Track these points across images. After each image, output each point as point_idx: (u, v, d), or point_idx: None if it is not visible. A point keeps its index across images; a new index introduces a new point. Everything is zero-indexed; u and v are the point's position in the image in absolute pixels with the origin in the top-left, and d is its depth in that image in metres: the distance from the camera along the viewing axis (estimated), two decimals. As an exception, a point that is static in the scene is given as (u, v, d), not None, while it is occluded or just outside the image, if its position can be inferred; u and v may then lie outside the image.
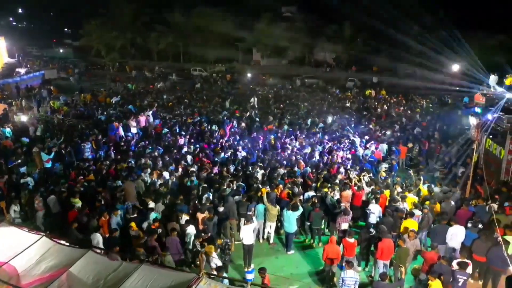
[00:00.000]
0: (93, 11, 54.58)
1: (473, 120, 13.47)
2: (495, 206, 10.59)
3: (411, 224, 10.02)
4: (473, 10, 39.04)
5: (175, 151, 15.84)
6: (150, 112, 21.36)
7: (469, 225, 9.76)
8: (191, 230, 9.73)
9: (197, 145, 16.87)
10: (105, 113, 22.61)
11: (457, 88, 33.37)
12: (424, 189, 12.39)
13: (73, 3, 60.04)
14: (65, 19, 68.94)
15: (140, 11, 55.69)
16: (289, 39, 51.34)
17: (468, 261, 8.48)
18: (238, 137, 18.42)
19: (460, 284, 8.10)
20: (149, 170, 13.17)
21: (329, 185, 12.38)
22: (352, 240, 9.47)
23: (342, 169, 14.31)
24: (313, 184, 12.51)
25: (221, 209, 10.71)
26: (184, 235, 9.73)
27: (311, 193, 11.86)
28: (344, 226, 10.48)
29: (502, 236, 8.96)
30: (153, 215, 10.19)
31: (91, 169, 13.37)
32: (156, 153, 15.28)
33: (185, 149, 16.07)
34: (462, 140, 17.61)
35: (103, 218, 9.98)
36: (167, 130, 19.19)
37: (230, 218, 10.74)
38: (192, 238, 9.64)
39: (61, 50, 64.96)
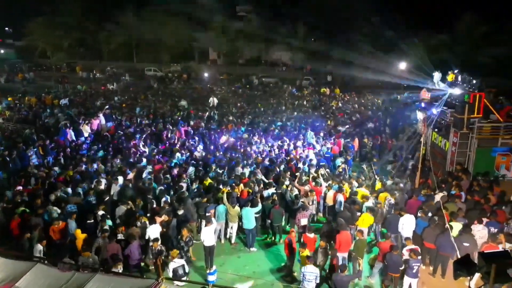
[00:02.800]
0: (37, 9, 51.18)
1: (420, 115, 14.24)
2: (442, 194, 11.28)
3: (367, 216, 10.40)
4: (417, 10, 41.39)
5: (129, 153, 15.31)
6: (101, 114, 20.45)
7: (419, 214, 10.29)
8: (152, 232, 9.45)
9: (153, 147, 16.40)
10: (57, 115, 21.33)
11: (405, 85, 35.26)
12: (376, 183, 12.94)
13: (15, 0, 55.91)
14: (5, 17, 64.01)
15: (88, 9, 53.11)
16: (245, 39, 51.49)
17: (416, 247, 8.92)
18: (196, 138, 18.14)
19: (414, 271, 8.53)
20: (103, 175, 12.63)
21: (288, 182, 12.56)
22: (312, 235, 9.64)
23: (300, 166, 14.54)
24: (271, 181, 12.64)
25: (180, 211, 10.49)
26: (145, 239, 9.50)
27: (271, 190, 11.95)
28: (304, 221, 10.66)
29: (448, 223, 9.54)
30: (108, 222, 9.81)
31: (38, 176, 12.54)
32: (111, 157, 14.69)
33: (140, 151, 15.57)
34: (411, 134, 18.63)
35: (55, 226, 9.46)
36: (121, 132, 18.48)
37: (191, 221, 10.55)
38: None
39: (1, 51, 60.34)
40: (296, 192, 11.97)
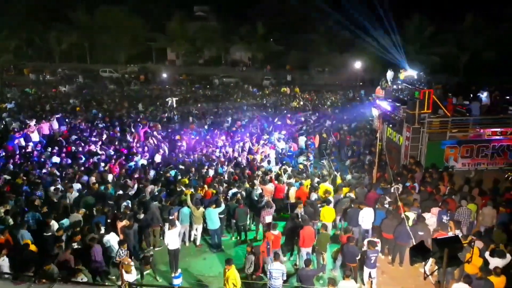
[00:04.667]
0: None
1: (375, 112, 14.88)
2: (398, 187, 11.83)
3: (328, 211, 10.69)
4: (370, 11, 43.00)
5: (85, 158, 14.67)
6: (54, 118, 19.45)
7: (377, 206, 10.72)
8: (110, 238, 9.13)
9: (110, 151, 15.83)
10: (5, 120, 19.97)
11: (360, 83, 36.71)
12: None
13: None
14: None
15: (36, 7, 50.11)
16: (204, 39, 51.10)
17: (377, 240, 9.31)
18: (156, 140, 17.73)
19: (372, 261, 8.90)
20: (59, 181, 12.02)
21: (251, 180, 12.64)
22: (276, 232, 9.75)
23: (264, 164, 14.67)
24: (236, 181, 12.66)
25: (141, 216, 10.22)
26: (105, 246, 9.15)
27: (235, 189, 11.95)
28: (268, 219, 10.75)
29: (404, 213, 10.02)
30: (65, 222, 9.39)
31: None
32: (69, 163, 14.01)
33: (97, 156, 14.98)
34: (367, 130, 19.40)
35: (1, 236, 8.85)
36: (76, 136, 17.67)
37: (154, 225, 10.31)
38: (115, 246, 9.07)
39: None
40: (260, 190, 12.07)
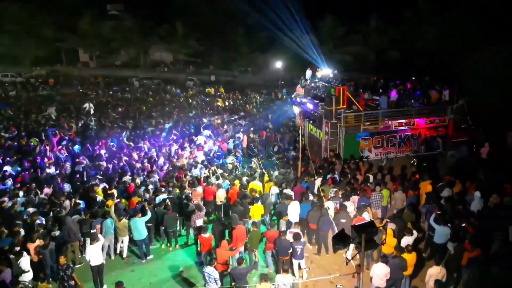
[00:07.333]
0: None
1: (296, 110, 15.54)
2: (320, 179, 12.50)
3: (257, 208, 10.89)
4: (286, 12, 44.67)
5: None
6: None
7: (303, 199, 11.20)
8: (22, 260, 8.21)
9: (18, 164, 14.22)
10: None
11: (282, 82, 37.98)
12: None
13: None
14: None
15: None
16: (120, 39, 48.45)
17: (298, 231, 9.71)
18: (71, 149, 16.38)
19: (298, 253, 9.27)
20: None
21: (180, 185, 12.35)
22: (207, 235, 9.65)
23: (192, 167, 14.42)
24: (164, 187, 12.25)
25: (56, 233, 9.34)
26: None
27: (162, 196, 11.56)
28: (199, 222, 10.61)
29: (324, 204, 10.60)
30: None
31: None
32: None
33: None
34: (291, 128, 20.19)
35: None
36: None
37: (72, 240, 9.49)
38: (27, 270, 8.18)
39: None
40: (189, 194, 11.83)
